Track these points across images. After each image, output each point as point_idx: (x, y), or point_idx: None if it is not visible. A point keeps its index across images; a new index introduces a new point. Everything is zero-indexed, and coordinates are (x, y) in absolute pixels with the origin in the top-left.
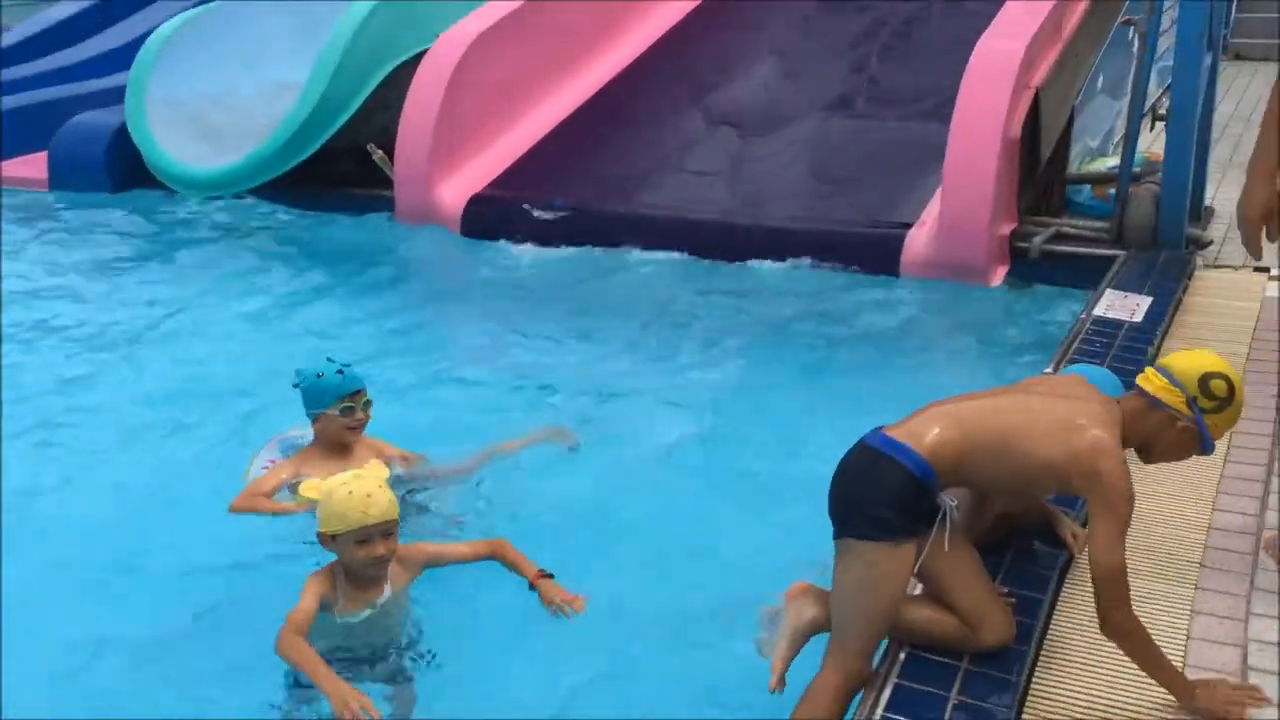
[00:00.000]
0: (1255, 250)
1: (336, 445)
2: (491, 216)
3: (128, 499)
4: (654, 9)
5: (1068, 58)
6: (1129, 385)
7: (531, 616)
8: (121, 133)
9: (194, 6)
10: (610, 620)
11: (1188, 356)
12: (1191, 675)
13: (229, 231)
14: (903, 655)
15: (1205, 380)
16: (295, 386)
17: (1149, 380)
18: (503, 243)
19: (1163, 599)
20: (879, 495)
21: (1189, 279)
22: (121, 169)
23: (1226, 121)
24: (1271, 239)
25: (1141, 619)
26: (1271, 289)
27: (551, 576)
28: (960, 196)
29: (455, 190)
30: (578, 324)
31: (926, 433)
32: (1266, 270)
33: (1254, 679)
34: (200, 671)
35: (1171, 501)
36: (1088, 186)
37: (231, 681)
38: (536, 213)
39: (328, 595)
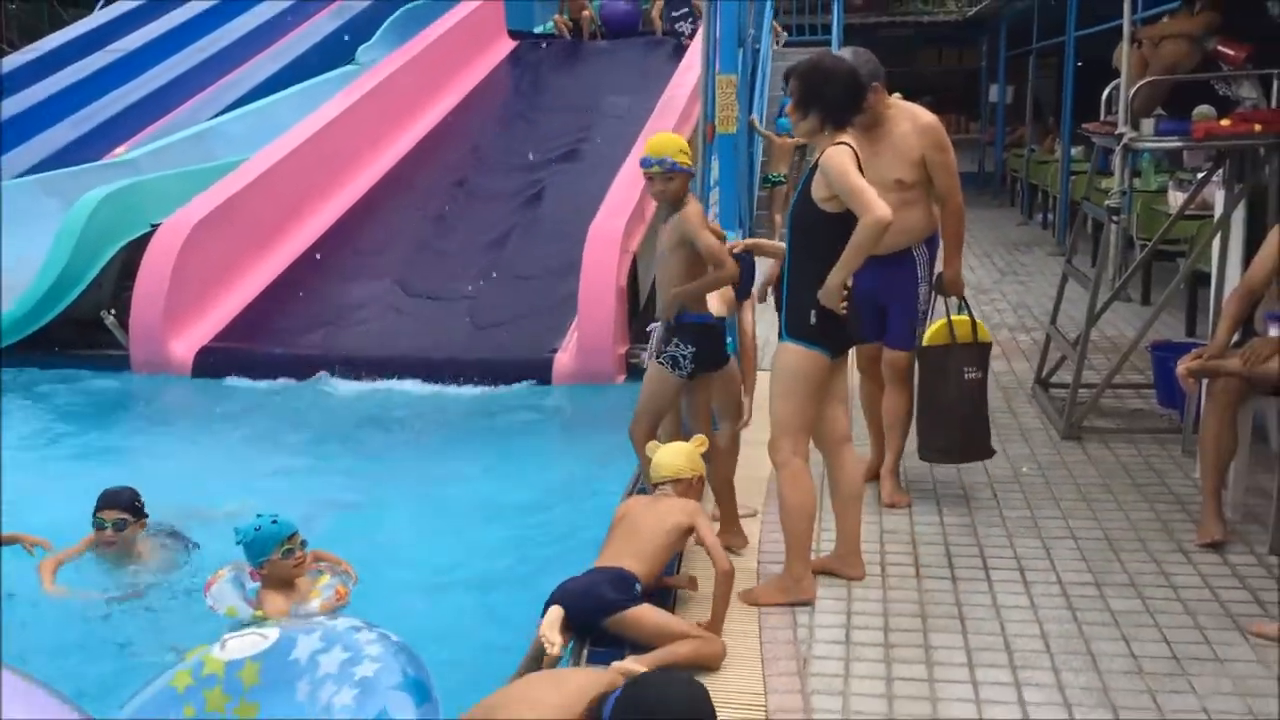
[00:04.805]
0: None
1: (284, 582)
2: (217, 363)
3: None
4: (336, 191)
5: (650, 231)
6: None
7: None
8: None
9: None
10: None
11: (661, 143)
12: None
13: None
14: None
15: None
16: (239, 544)
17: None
18: (227, 382)
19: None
20: None
21: None
22: None
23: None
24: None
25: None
26: None
27: None
28: (591, 328)
29: (186, 344)
30: (300, 448)
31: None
32: None
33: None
34: None
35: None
36: None
37: None
38: None
39: None
